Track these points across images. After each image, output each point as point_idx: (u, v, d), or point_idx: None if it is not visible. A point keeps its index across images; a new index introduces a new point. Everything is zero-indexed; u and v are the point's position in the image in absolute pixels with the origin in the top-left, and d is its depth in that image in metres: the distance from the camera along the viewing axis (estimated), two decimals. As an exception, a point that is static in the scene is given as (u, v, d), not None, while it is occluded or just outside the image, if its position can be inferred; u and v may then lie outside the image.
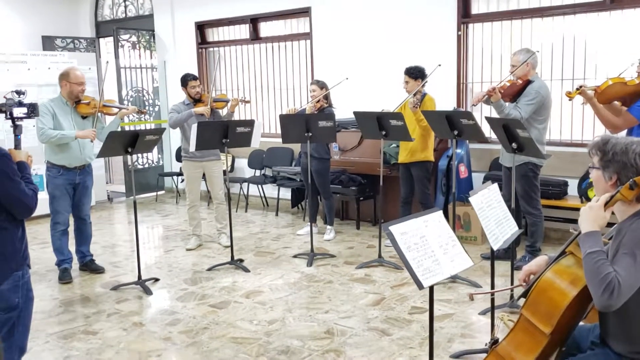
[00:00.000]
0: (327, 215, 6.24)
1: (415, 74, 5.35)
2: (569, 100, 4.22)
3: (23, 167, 2.78)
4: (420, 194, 5.56)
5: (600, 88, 4.05)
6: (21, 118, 3.13)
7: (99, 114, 5.12)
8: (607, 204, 2.06)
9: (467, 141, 6.06)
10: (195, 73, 8.55)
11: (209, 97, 5.77)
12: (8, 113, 3.10)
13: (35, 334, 3.83)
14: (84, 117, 5.07)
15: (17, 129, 3.07)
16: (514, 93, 4.67)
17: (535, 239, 4.92)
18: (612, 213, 2.13)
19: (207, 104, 5.71)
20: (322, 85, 5.91)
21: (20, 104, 3.15)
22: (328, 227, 6.21)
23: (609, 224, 2.15)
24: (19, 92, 3.23)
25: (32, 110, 3.18)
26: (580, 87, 4.10)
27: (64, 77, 5.00)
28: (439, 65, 5.19)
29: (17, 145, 2.99)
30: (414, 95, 5.23)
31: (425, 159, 5.50)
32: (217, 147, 5.33)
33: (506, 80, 4.69)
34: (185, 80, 5.78)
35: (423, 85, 5.34)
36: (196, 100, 5.78)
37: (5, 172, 2.61)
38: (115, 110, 5.24)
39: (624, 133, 4.17)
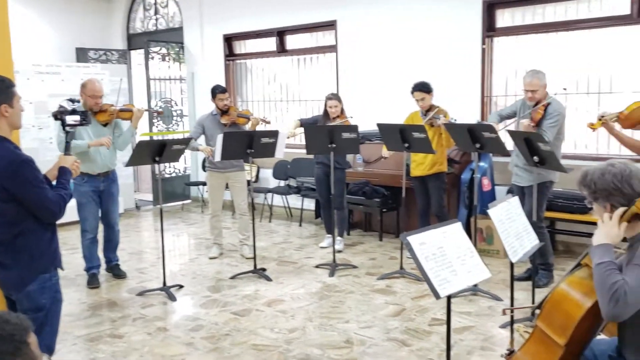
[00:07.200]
0: (339, 226, 6.23)
1: (429, 88, 5.41)
2: (593, 131, 4.18)
3: (63, 172, 2.89)
4: (436, 207, 5.58)
5: (623, 114, 4.01)
6: (74, 125, 3.24)
7: (118, 120, 5.24)
8: (622, 218, 2.08)
9: (491, 154, 6.06)
10: (223, 85, 8.74)
11: (235, 110, 5.93)
12: (62, 120, 3.21)
13: (63, 336, 3.94)
14: (104, 125, 5.20)
15: (68, 136, 3.18)
16: (540, 118, 4.65)
17: (547, 255, 4.86)
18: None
19: (232, 116, 5.85)
20: (339, 99, 6.02)
21: (73, 112, 3.26)
22: (338, 238, 6.21)
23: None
24: (72, 100, 3.34)
25: (84, 117, 3.29)
26: (602, 117, 4.06)
27: (82, 88, 5.14)
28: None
29: (67, 151, 3.11)
30: (435, 111, 5.30)
31: (442, 170, 5.57)
32: (241, 157, 5.43)
33: (534, 112, 4.63)
34: (215, 92, 5.90)
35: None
36: (223, 112, 5.91)
37: (27, 178, 2.69)
38: (130, 113, 5.26)
39: None
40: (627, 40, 5.54)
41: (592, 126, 4.12)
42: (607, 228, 2.09)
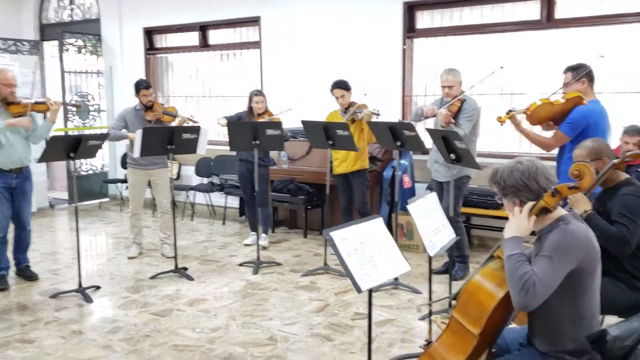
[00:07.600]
0: (263, 223, 6.22)
1: (348, 86, 5.50)
2: (501, 125, 4.35)
3: None
4: (359, 204, 5.66)
5: (529, 110, 4.22)
6: None
7: (33, 112, 4.96)
8: (531, 212, 2.19)
9: (411, 152, 6.23)
10: (144, 79, 8.48)
11: (161, 107, 5.75)
12: None
13: (-33, 344, 3.71)
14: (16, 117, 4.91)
15: None
16: (455, 113, 4.84)
17: (463, 248, 5.07)
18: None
19: (157, 113, 5.68)
20: (264, 95, 6.01)
21: None
22: (263, 234, 6.20)
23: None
24: None
25: None
26: (510, 111, 4.26)
27: None
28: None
29: None
30: (355, 106, 5.38)
31: (364, 167, 5.67)
32: (162, 153, 5.28)
33: (450, 105, 4.81)
34: (138, 87, 5.71)
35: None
36: (147, 108, 5.73)
37: None
38: (44, 106, 4.97)
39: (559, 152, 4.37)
40: (537, 44, 5.84)
41: (499, 119, 4.29)
42: (518, 222, 2.20)
